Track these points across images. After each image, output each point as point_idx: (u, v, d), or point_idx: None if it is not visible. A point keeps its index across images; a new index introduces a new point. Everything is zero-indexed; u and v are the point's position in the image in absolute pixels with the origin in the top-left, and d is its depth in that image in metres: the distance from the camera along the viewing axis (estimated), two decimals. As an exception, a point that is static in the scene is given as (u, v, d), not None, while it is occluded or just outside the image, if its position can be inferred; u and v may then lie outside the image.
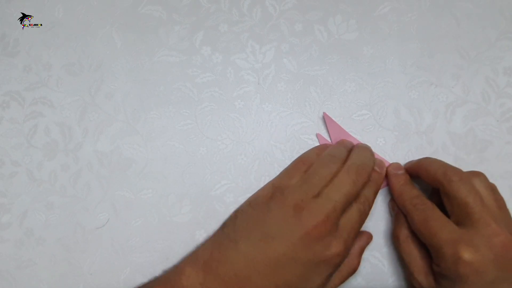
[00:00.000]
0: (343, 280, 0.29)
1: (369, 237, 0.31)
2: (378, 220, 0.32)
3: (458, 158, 0.33)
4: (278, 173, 0.33)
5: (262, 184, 0.33)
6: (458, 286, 0.25)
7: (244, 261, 0.26)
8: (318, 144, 0.34)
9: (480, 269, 0.24)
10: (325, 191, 0.27)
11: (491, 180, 0.32)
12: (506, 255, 0.25)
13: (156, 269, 0.33)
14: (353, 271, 0.29)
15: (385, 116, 0.34)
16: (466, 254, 0.25)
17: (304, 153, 0.32)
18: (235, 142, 0.34)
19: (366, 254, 0.32)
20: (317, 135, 0.34)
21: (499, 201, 0.27)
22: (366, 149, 0.31)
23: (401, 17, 0.35)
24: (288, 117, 0.34)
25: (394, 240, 0.30)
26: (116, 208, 0.34)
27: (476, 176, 0.28)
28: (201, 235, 0.33)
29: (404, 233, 0.30)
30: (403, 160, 0.33)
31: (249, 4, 0.36)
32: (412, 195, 0.29)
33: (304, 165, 0.30)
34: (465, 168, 0.32)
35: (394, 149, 0.33)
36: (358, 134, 0.34)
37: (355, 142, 0.33)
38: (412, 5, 0.35)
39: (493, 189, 0.28)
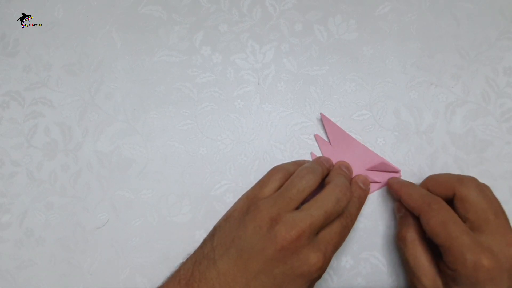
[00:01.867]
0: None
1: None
2: (378, 221, 0.32)
3: (458, 158, 0.33)
4: (278, 173, 0.33)
5: (262, 184, 0.34)
6: None
7: (223, 279, 0.25)
8: (317, 144, 0.34)
9: (496, 277, 0.24)
10: (306, 206, 0.27)
11: (491, 180, 0.32)
12: None
13: (156, 269, 0.33)
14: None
15: (385, 116, 0.34)
16: (487, 261, 0.24)
17: (280, 164, 0.32)
18: (235, 142, 0.34)
19: (366, 254, 0.32)
20: (315, 136, 0.34)
21: (503, 212, 0.27)
22: (344, 172, 0.31)
23: (401, 17, 0.35)
24: (288, 117, 0.34)
25: (400, 242, 0.30)
26: (116, 208, 0.34)
27: (484, 185, 0.28)
28: (201, 235, 0.33)
29: (411, 235, 0.29)
30: (403, 160, 0.33)
31: (249, 4, 0.36)
32: (423, 193, 0.29)
33: (279, 173, 0.30)
34: (465, 168, 0.32)
35: (394, 149, 0.33)
36: (358, 134, 0.34)
37: (353, 142, 0.33)
38: (412, 5, 0.35)
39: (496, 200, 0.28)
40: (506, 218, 0.27)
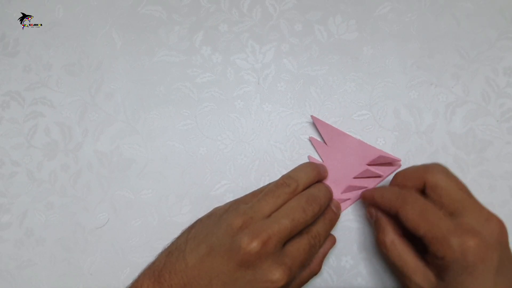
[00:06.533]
0: (303, 283, 0.29)
1: (333, 241, 0.31)
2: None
3: (458, 158, 0.33)
4: (278, 173, 0.33)
5: (262, 184, 0.34)
6: (465, 277, 0.24)
7: (190, 273, 0.26)
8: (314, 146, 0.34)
9: (485, 256, 0.24)
10: (274, 214, 0.27)
11: (491, 180, 0.32)
12: (502, 239, 0.25)
13: (156, 269, 0.33)
14: (314, 275, 0.29)
15: (385, 116, 0.34)
16: (473, 241, 0.24)
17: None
18: (235, 142, 0.34)
19: (366, 254, 0.32)
20: (310, 139, 0.34)
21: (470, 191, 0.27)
22: (325, 186, 0.31)
23: (401, 17, 0.35)
24: (288, 117, 0.34)
25: (381, 246, 0.29)
26: (116, 208, 0.34)
27: (448, 169, 0.28)
28: (201, 235, 0.33)
29: (389, 237, 0.28)
30: (403, 160, 0.33)
31: (249, 4, 0.36)
32: (394, 190, 0.28)
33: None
34: (465, 168, 0.32)
35: (394, 149, 0.33)
36: (358, 134, 0.34)
37: (348, 138, 0.33)
38: (412, 5, 0.35)
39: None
40: (474, 197, 0.27)
